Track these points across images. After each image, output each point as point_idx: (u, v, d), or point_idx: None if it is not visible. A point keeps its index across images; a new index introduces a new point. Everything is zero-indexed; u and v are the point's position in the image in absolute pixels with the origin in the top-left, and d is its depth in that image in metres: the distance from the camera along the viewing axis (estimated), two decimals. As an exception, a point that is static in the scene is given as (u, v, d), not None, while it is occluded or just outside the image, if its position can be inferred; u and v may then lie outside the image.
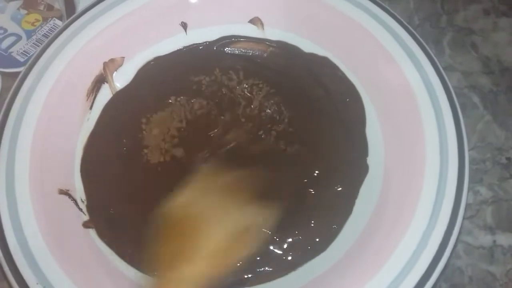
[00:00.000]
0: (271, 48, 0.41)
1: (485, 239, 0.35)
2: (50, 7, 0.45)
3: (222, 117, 0.38)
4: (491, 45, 0.44)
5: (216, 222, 0.31)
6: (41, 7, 0.45)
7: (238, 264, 0.31)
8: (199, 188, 0.33)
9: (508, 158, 0.38)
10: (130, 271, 0.32)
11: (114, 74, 0.40)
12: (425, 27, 0.45)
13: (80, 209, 0.34)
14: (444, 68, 0.36)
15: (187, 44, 0.42)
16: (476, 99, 0.41)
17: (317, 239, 0.33)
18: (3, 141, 0.34)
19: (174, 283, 0.29)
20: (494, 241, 0.35)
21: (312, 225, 0.33)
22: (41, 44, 0.42)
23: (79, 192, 0.35)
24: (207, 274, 0.29)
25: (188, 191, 0.32)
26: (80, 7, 0.45)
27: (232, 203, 0.32)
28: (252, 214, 0.32)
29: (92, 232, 0.34)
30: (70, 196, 0.34)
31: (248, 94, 0.39)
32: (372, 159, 0.36)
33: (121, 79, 0.40)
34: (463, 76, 0.42)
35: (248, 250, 0.31)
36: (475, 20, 0.45)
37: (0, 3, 0.45)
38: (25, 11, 0.45)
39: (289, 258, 0.32)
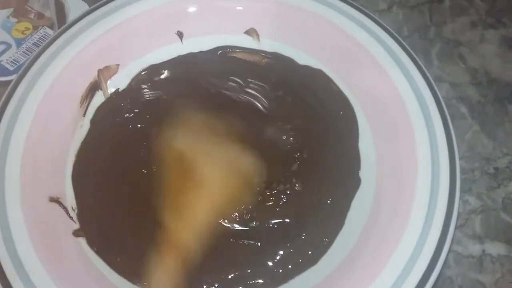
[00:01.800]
0: (266, 59, 0.40)
1: (474, 248, 0.34)
2: (40, 16, 0.43)
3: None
4: (478, 56, 0.43)
5: (211, 167, 0.31)
6: (32, 16, 0.44)
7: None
8: (193, 131, 0.33)
9: (495, 168, 0.37)
10: (119, 281, 0.31)
11: (108, 82, 0.39)
12: (414, 39, 0.44)
13: (71, 217, 0.33)
14: (432, 79, 0.35)
15: (183, 53, 0.40)
16: (464, 109, 0.40)
17: (309, 252, 0.31)
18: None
19: (179, 232, 0.29)
20: (483, 250, 0.34)
21: (303, 237, 0.32)
22: (32, 52, 0.41)
23: (70, 200, 0.34)
24: (208, 220, 0.30)
25: (182, 134, 0.33)
26: (71, 15, 0.43)
27: (227, 149, 0.32)
28: (244, 161, 0.32)
29: (82, 241, 0.32)
30: (60, 204, 0.33)
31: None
32: (364, 172, 0.34)
33: (115, 86, 0.39)
34: (451, 87, 0.41)
35: (242, 196, 0.31)
36: (462, 32, 0.44)
37: (-11, 11, 0.44)
38: (15, 20, 0.43)
39: (280, 270, 0.31)
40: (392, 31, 0.37)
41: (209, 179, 0.31)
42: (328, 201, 0.33)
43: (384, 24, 0.37)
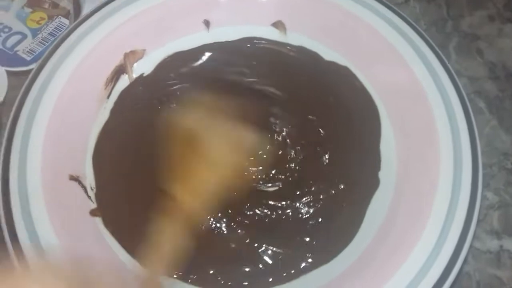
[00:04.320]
0: (291, 53, 0.33)
1: (492, 243, 0.28)
2: (55, 5, 0.36)
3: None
4: (496, 50, 0.36)
5: (216, 137, 0.27)
6: (46, 5, 0.37)
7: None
8: (204, 111, 0.29)
9: None
10: (132, 263, 0.25)
11: (134, 66, 0.33)
12: (431, 32, 0.37)
13: (89, 197, 0.28)
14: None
15: (209, 42, 0.34)
16: (482, 104, 0.33)
17: (323, 253, 0.26)
18: (19, 121, 0.28)
19: (189, 196, 0.25)
20: (501, 246, 0.28)
21: (319, 238, 0.26)
22: (47, 42, 0.34)
23: (90, 179, 0.28)
24: (216, 185, 0.25)
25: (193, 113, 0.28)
26: (87, 5, 0.36)
27: (231, 125, 0.28)
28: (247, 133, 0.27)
29: (98, 221, 0.27)
30: (80, 182, 0.28)
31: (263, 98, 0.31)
32: (384, 173, 0.28)
33: (140, 71, 0.33)
34: (469, 81, 0.34)
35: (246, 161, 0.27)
36: (480, 26, 0.37)
37: (4, 1, 0.37)
38: (30, 9, 0.36)
39: (292, 270, 0.25)
40: (419, 28, 0.30)
41: (215, 153, 0.26)
42: (344, 204, 0.27)
43: (416, 26, 0.30)
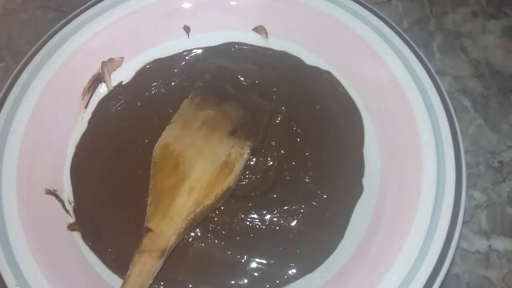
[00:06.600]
0: (274, 59, 0.33)
1: (481, 244, 0.28)
2: None
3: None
4: (480, 48, 0.36)
5: (198, 156, 0.27)
6: None
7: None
8: (182, 124, 0.28)
9: (500, 162, 0.31)
10: (111, 278, 0.25)
11: (112, 74, 0.32)
12: (414, 31, 0.38)
13: (67, 211, 0.27)
14: (434, 72, 0.29)
15: (189, 48, 0.34)
16: (467, 102, 0.34)
17: (306, 263, 0.26)
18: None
19: (164, 217, 0.24)
20: (490, 246, 0.28)
21: (302, 248, 0.26)
22: None
23: (67, 192, 0.28)
24: (194, 208, 0.25)
25: (172, 129, 0.28)
26: None
27: (212, 137, 0.28)
28: (230, 146, 0.28)
29: (76, 235, 0.27)
30: (57, 196, 0.28)
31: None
32: (367, 180, 0.28)
33: (119, 79, 0.33)
34: (454, 80, 0.35)
35: (228, 181, 0.26)
36: (463, 23, 0.38)
37: None
38: None
39: (277, 280, 0.25)
40: (400, 30, 0.31)
41: (191, 171, 0.26)
42: (327, 213, 0.27)
43: (399, 29, 0.31)
